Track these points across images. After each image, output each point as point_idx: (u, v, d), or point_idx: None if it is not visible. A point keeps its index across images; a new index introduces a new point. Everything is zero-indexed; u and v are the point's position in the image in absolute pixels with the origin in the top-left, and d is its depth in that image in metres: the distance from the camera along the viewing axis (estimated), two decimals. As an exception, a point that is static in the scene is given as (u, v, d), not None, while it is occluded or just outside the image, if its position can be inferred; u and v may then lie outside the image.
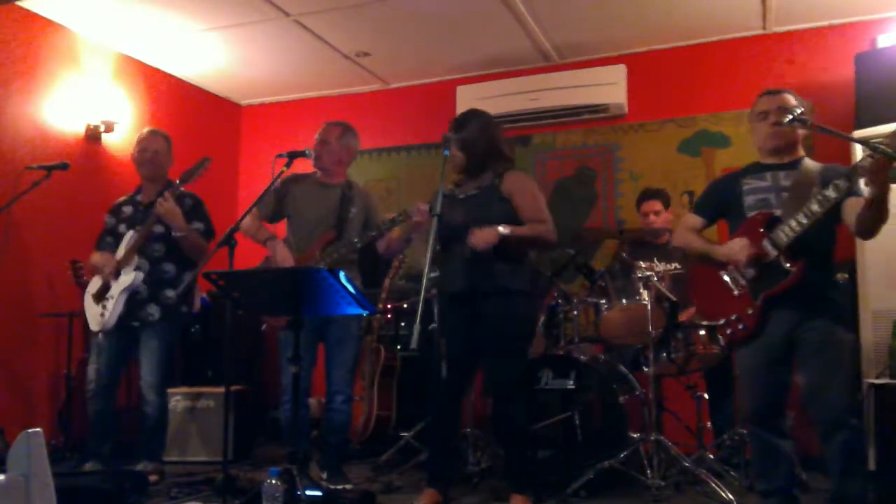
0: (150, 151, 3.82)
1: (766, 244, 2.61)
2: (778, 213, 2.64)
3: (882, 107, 4.01)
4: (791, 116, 2.62)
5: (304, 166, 3.65)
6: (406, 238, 3.60)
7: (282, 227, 3.84)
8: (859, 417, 2.57)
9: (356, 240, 3.55)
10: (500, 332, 3.09)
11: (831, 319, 2.61)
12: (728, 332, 2.73)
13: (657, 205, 4.26)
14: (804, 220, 2.52)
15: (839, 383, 2.56)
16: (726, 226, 2.90)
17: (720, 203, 2.88)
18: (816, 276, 2.59)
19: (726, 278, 2.72)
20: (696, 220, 2.92)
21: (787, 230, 2.56)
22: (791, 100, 2.74)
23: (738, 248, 2.66)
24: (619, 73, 5.12)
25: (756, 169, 2.81)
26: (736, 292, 2.70)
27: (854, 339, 2.75)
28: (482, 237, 2.99)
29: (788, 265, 2.58)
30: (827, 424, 2.56)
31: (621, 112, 5.17)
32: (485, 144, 3.17)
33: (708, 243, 2.84)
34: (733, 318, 2.70)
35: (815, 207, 2.51)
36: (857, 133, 3.92)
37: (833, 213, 2.56)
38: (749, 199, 2.74)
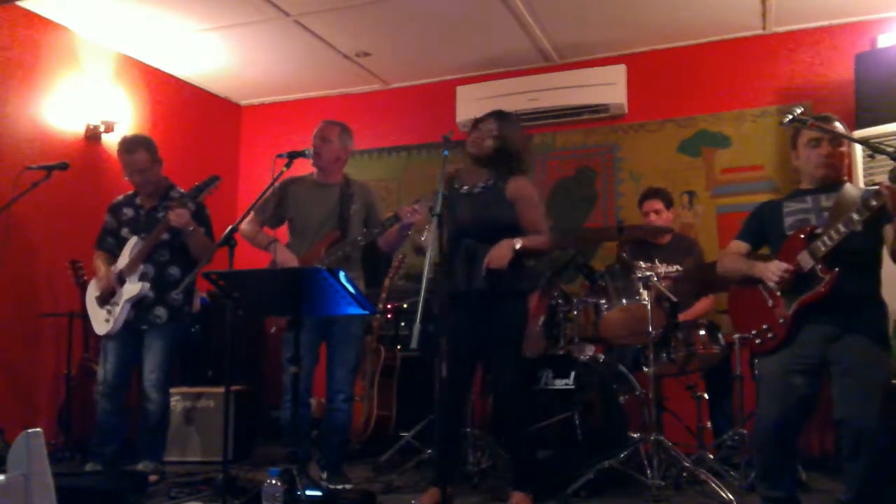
0: (136, 172, 3.77)
1: (805, 254, 2.58)
2: (820, 229, 2.61)
3: (882, 107, 4.01)
4: (791, 117, 2.61)
5: (301, 168, 3.64)
6: (403, 227, 3.52)
7: (282, 232, 3.84)
8: (889, 435, 2.50)
9: (360, 238, 3.56)
10: (504, 334, 3.13)
11: (868, 338, 2.54)
12: (758, 342, 2.70)
13: (658, 203, 4.27)
14: (843, 229, 2.49)
15: (873, 407, 2.49)
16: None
17: (762, 227, 2.85)
18: (854, 287, 2.54)
19: (763, 292, 2.71)
20: (741, 245, 2.90)
21: (826, 240, 2.53)
22: (841, 128, 2.71)
23: (774, 268, 2.63)
24: (619, 73, 5.12)
25: (797, 194, 2.80)
26: (770, 303, 2.68)
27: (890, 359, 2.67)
28: (498, 257, 3.02)
29: (820, 270, 2.55)
30: (856, 443, 2.51)
31: (621, 112, 5.16)
32: (517, 147, 3.18)
33: (747, 262, 2.82)
34: (764, 327, 2.67)
35: (854, 216, 2.47)
36: (857, 133, 3.93)
37: (877, 223, 2.52)
38: (789, 220, 2.72)
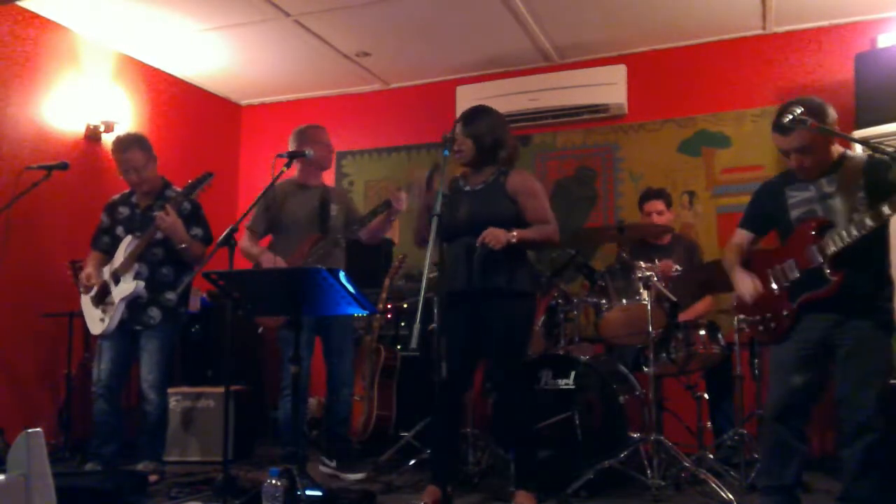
0: (133, 172, 3.76)
1: (814, 249, 2.56)
2: (829, 221, 2.59)
3: (882, 107, 4.01)
4: (791, 117, 2.60)
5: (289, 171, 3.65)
6: (391, 213, 3.68)
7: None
8: (887, 421, 2.52)
9: (339, 236, 3.68)
10: (503, 333, 3.11)
11: (872, 321, 2.55)
12: (760, 328, 2.73)
13: (660, 205, 4.25)
14: (856, 233, 2.46)
15: (873, 389, 2.51)
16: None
17: (766, 216, 2.82)
18: (861, 284, 2.53)
19: (769, 276, 2.71)
20: (745, 235, 2.87)
21: (837, 239, 2.50)
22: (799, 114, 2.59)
23: (745, 287, 2.69)
24: (619, 73, 5.12)
25: (797, 178, 2.71)
26: (776, 291, 2.68)
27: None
28: (495, 235, 2.98)
29: (829, 273, 2.53)
30: (855, 426, 2.53)
31: (621, 112, 5.17)
32: (493, 139, 3.18)
33: (734, 264, 2.82)
34: (767, 316, 2.69)
35: (868, 222, 2.43)
36: (857, 133, 3.93)
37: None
38: (795, 213, 2.68)
